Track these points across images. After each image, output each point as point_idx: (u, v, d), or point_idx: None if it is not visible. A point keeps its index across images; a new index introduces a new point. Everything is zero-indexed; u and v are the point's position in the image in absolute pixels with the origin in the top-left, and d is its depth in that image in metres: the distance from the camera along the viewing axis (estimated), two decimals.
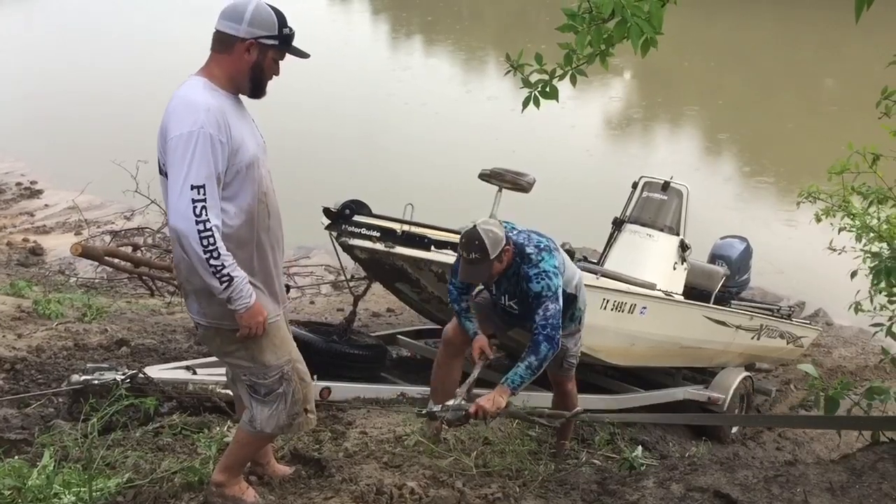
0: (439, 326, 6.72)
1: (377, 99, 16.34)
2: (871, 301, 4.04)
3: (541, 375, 3.99)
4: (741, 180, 13.38)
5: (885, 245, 4.20)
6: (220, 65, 2.98)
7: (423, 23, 26.58)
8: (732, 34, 20.57)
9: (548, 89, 2.45)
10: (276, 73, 3.07)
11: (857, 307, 4.14)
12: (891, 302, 3.91)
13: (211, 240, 2.77)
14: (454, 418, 3.73)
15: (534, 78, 2.49)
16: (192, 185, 2.77)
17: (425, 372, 6.18)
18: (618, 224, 7.02)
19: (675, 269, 6.75)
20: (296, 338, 3.36)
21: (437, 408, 3.79)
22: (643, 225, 6.86)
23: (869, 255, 4.18)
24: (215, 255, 2.79)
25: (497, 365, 5.09)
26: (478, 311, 4.36)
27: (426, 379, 5.77)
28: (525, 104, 2.54)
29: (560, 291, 3.95)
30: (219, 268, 2.80)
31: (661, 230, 6.81)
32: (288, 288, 3.45)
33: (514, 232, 4.08)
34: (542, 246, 4.02)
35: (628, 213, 7.03)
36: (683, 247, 6.79)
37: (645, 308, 5.92)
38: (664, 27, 2.32)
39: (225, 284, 2.83)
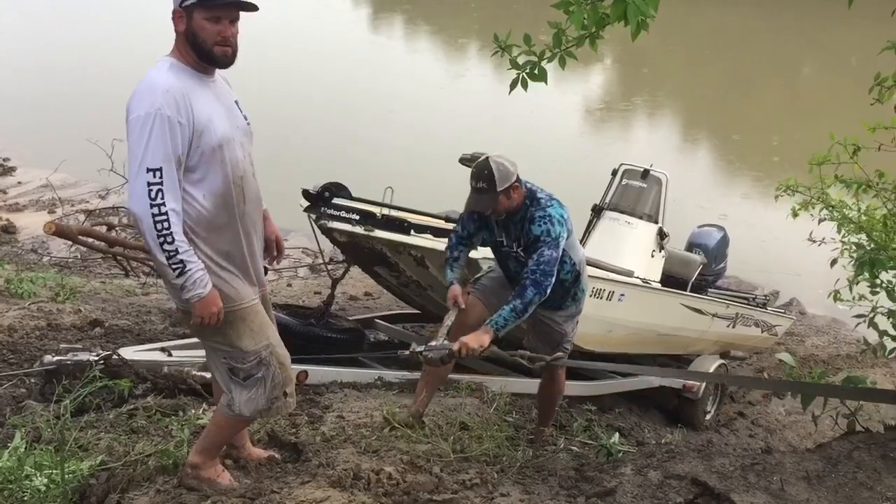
0: (418, 311, 6.72)
1: (359, 84, 16.20)
2: (850, 290, 4.07)
3: (528, 364, 3.98)
4: (720, 169, 13.46)
5: (863, 236, 4.23)
6: (177, 43, 2.92)
7: (405, 9, 26.39)
8: (713, 23, 20.62)
9: (536, 71, 2.42)
10: (225, 34, 2.85)
11: (836, 296, 4.17)
12: (873, 293, 3.94)
13: (165, 224, 2.72)
14: (437, 356, 3.72)
15: (522, 59, 2.46)
16: (147, 168, 2.71)
17: None
18: (597, 211, 7.04)
19: (653, 256, 6.78)
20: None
21: (420, 347, 3.77)
22: (622, 212, 6.88)
23: (849, 245, 4.20)
24: (169, 239, 2.73)
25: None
26: (486, 290, 4.29)
27: (404, 363, 5.76)
28: (513, 86, 2.51)
29: (561, 241, 3.89)
30: (172, 253, 2.75)
31: (640, 218, 6.84)
32: (266, 270, 3.40)
33: (529, 183, 4.05)
34: (552, 195, 4.02)
35: (608, 200, 7.05)
36: (662, 235, 6.81)
37: (623, 295, 5.93)
38: (657, 8, 2.29)
39: (177, 271, 2.77)
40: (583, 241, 6.86)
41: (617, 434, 4.65)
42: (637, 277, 6.24)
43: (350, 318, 6.24)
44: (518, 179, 3.89)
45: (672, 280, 6.93)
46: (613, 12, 2.11)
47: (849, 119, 4.18)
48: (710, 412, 6.78)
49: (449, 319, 4.03)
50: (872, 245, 3.98)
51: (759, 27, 20.47)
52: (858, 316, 3.82)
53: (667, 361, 7.23)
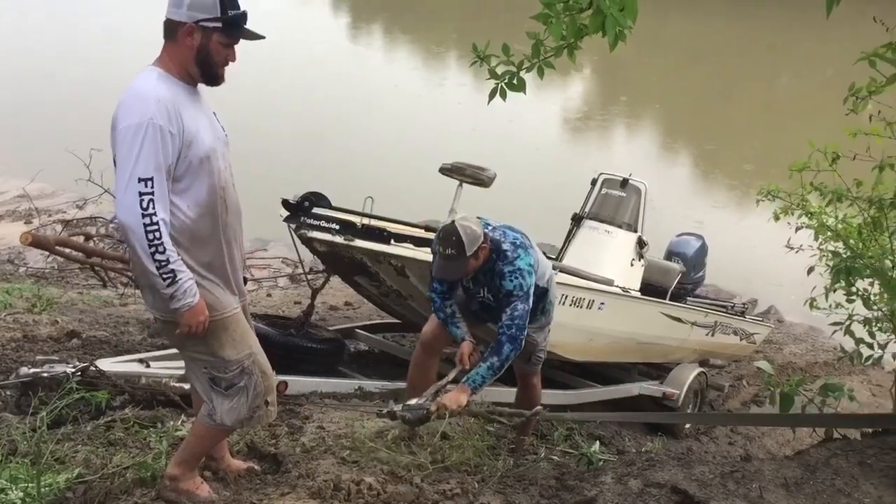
0: (398, 321, 6.71)
1: (338, 94, 16.19)
2: (826, 298, 4.10)
3: (507, 422, 4.00)
4: (698, 178, 13.56)
5: (840, 244, 4.28)
6: (170, 53, 2.91)
7: (384, 18, 26.43)
8: (690, 33, 20.84)
9: (515, 81, 2.43)
10: (232, 59, 2.97)
11: (813, 304, 4.21)
12: (849, 301, 3.97)
13: (157, 234, 2.71)
14: (415, 418, 3.70)
15: (500, 69, 2.47)
16: (139, 178, 2.70)
17: (383, 366, 6.16)
18: (577, 220, 7.05)
19: (632, 265, 6.79)
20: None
21: (397, 407, 3.76)
22: (602, 221, 6.89)
23: (826, 253, 4.24)
24: (160, 249, 2.72)
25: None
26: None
27: (384, 373, 5.75)
28: (491, 96, 2.52)
29: (531, 291, 3.95)
30: (163, 263, 2.73)
31: (620, 227, 6.85)
32: (245, 280, 3.39)
33: (490, 228, 4.05)
34: (517, 243, 4.02)
35: (587, 209, 7.06)
36: (641, 243, 6.83)
37: (603, 304, 5.95)
38: (635, 20, 2.31)
39: (168, 280, 2.76)
40: (563, 250, 6.89)
41: (597, 442, 4.65)
42: (617, 286, 6.26)
43: (330, 328, 6.22)
44: (484, 237, 3.89)
45: (651, 289, 6.96)
46: (591, 24, 2.12)
47: (825, 128, 4.24)
48: None
49: (452, 374, 4.05)
50: (849, 253, 4.02)
51: (733, 38, 20.69)
52: (835, 324, 3.86)
53: (647, 369, 7.26)
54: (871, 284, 4.00)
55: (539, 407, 4.25)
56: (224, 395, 3.07)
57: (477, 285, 4.14)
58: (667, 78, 18.24)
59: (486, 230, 3.94)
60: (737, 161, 12.98)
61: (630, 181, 7.01)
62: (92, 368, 4.20)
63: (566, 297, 5.60)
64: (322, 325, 6.24)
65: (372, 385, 5.20)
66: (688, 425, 6.73)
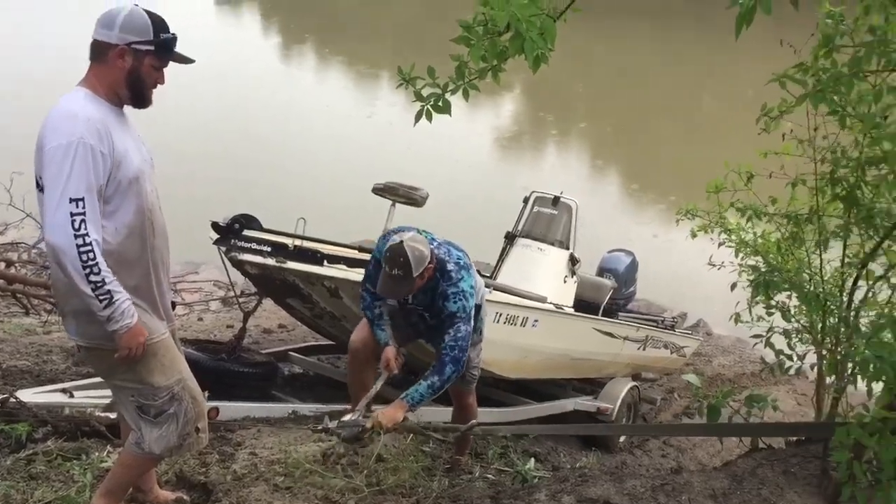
0: (332, 342, 6.65)
1: (269, 115, 16.06)
2: (750, 312, 4.22)
3: (441, 437, 3.99)
4: (627, 195, 13.84)
5: (759, 259, 4.41)
6: (98, 74, 2.87)
7: (315, 38, 26.36)
8: (617, 54, 21.32)
9: (440, 103, 2.45)
10: (161, 81, 2.97)
11: (737, 318, 4.32)
12: (768, 313, 4.09)
13: (91, 255, 2.65)
14: (350, 435, 3.67)
15: (426, 92, 2.49)
16: (70, 198, 2.64)
17: (318, 388, 6.10)
18: (510, 238, 7.11)
19: (565, 282, 6.88)
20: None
21: (332, 423, 3.72)
22: (534, 239, 6.96)
23: (746, 268, 4.37)
24: (95, 270, 2.66)
25: (400, 380, 5.08)
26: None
27: (319, 395, 5.69)
28: (417, 118, 2.53)
29: (473, 313, 3.96)
30: (99, 284, 2.67)
31: (552, 244, 6.93)
32: (174, 305, 3.33)
33: (435, 244, 4.04)
34: (461, 263, 4.03)
35: (520, 227, 7.12)
36: (573, 260, 6.93)
37: (537, 321, 6.01)
38: (554, 43, 2.36)
39: (105, 302, 2.70)
40: (496, 269, 6.94)
41: (532, 460, 4.68)
42: (550, 303, 6.32)
43: (263, 352, 6.12)
44: (431, 257, 3.88)
45: (584, 305, 7.05)
46: (511, 47, 2.16)
47: (746, 146, 4.36)
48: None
49: (378, 384, 4.02)
50: (768, 267, 4.14)
51: (658, 59, 21.24)
52: (756, 336, 3.97)
53: (581, 385, 7.34)
54: (789, 297, 4.13)
55: (474, 421, 4.26)
56: (153, 422, 3.00)
57: (416, 301, 4.11)
58: (597, 97, 18.62)
59: (431, 248, 3.93)
60: (663, 178, 13.31)
61: (561, 199, 7.11)
62: (12, 400, 4.05)
63: (500, 314, 5.64)
64: (254, 349, 6.15)
65: (306, 408, 5.13)
66: (622, 439, 6.82)
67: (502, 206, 7.93)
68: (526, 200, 7.25)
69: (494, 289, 5.82)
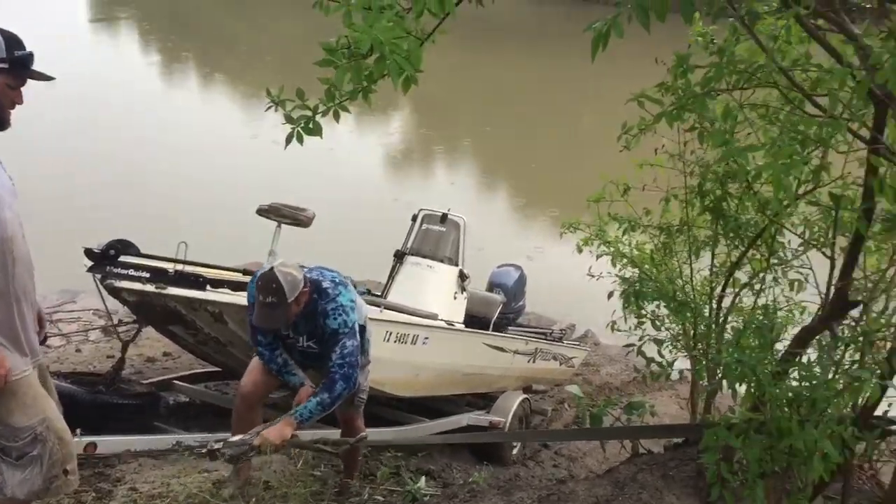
0: (218, 369, 6.48)
1: (148, 137, 15.55)
2: (626, 321, 4.36)
3: (332, 450, 3.96)
4: (515, 210, 14.09)
5: (636, 269, 4.58)
6: None
7: (197, 57, 25.78)
8: (501, 72, 21.74)
9: (311, 125, 2.44)
10: (19, 101, 2.83)
11: (613, 326, 4.46)
12: (640, 323, 4.25)
13: None
14: (237, 454, 3.56)
15: (296, 114, 2.47)
16: None
17: (206, 417, 5.92)
18: (399, 256, 7.13)
19: (455, 298, 6.95)
20: (57, 391, 3.10)
21: (217, 444, 3.61)
22: (424, 256, 7.01)
23: (621, 279, 4.52)
24: None
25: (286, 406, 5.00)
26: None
27: (205, 425, 5.52)
28: (288, 141, 2.51)
29: (357, 327, 3.95)
30: None
31: (441, 261, 7.00)
32: (45, 338, 3.17)
33: (306, 269, 4.02)
34: (337, 280, 4.02)
35: (409, 245, 7.16)
36: (462, 276, 7.01)
37: (427, 338, 6.04)
38: (425, 65, 2.40)
39: None
40: (387, 287, 6.95)
41: (423, 478, 4.68)
42: (441, 320, 6.37)
43: (144, 382, 5.91)
44: (305, 282, 3.85)
45: (475, 320, 7.13)
46: (376, 70, 2.17)
47: (626, 161, 4.51)
48: (516, 446, 6.99)
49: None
50: (643, 278, 4.30)
51: (543, 77, 21.81)
52: (627, 346, 4.11)
53: (474, 400, 7.40)
54: (658, 307, 4.30)
55: (364, 433, 4.22)
56: (15, 465, 2.84)
57: (297, 333, 4.08)
58: (484, 115, 18.92)
59: (304, 272, 3.91)
60: (548, 192, 13.62)
61: (449, 216, 7.19)
62: None
63: (391, 333, 5.63)
64: (135, 379, 5.93)
65: (191, 438, 4.97)
66: (515, 452, 6.91)
67: (392, 225, 7.94)
68: (414, 218, 7.30)
69: (385, 307, 5.84)
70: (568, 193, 12.99)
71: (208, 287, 4.90)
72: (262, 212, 5.70)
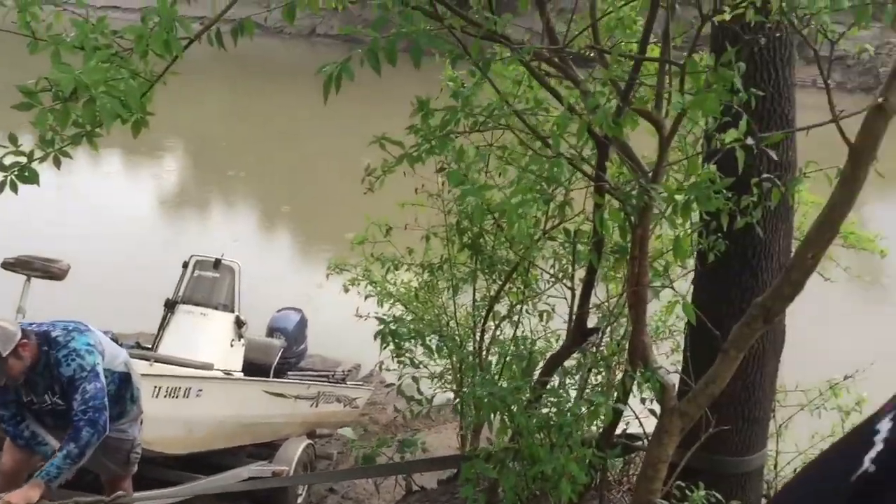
0: None
1: None
2: (393, 360, 4.40)
3: (92, 479, 3.67)
4: (295, 250, 13.93)
5: (403, 308, 4.65)
6: None
7: None
8: (278, 112, 21.52)
9: (26, 173, 2.25)
10: None
11: (381, 367, 4.50)
12: (400, 362, 4.30)
13: None
14: None
15: (9, 160, 2.27)
16: None
17: None
18: (170, 305, 6.83)
19: (232, 346, 6.76)
20: None
21: None
22: (197, 304, 6.77)
23: (385, 319, 4.56)
24: None
25: None
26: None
27: None
28: (0, 189, 2.31)
29: (99, 369, 3.74)
30: None
31: (216, 308, 6.80)
32: None
33: (35, 325, 3.79)
34: (70, 328, 3.81)
35: (181, 293, 6.88)
36: (239, 323, 6.84)
37: (201, 390, 5.82)
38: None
39: None
40: (157, 338, 6.62)
41: None
42: (217, 370, 6.16)
43: None
44: (24, 334, 3.62)
45: (254, 367, 6.95)
46: (84, 114, 2.04)
47: (392, 199, 4.56)
48: (301, 493, 6.82)
49: None
50: (399, 317, 4.34)
51: (321, 116, 21.79)
52: (388, 385, 4.16)
53: (256, 451, 7.16)
54: (416, 345, 4.38)
55: (121, 493, 3.95)
56: None
57: (39, 394, 3.80)
58: (260, 155, 18.57)
59: (28, 328, 3.66)
60: (328, 231, 13.52)
61: (223, 261, 7.02)
62: None
63: (159, 388, 5.36)
64: None
65: None
66: (300, 499, 6.75)
67: (165, 274, 7.58)
68: (185, 265, 7.05)
69: (154, 360, 5.59)
70: (346, 231, 13.03)
71: None
72: (8, 265, 5.31)
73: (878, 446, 0.47)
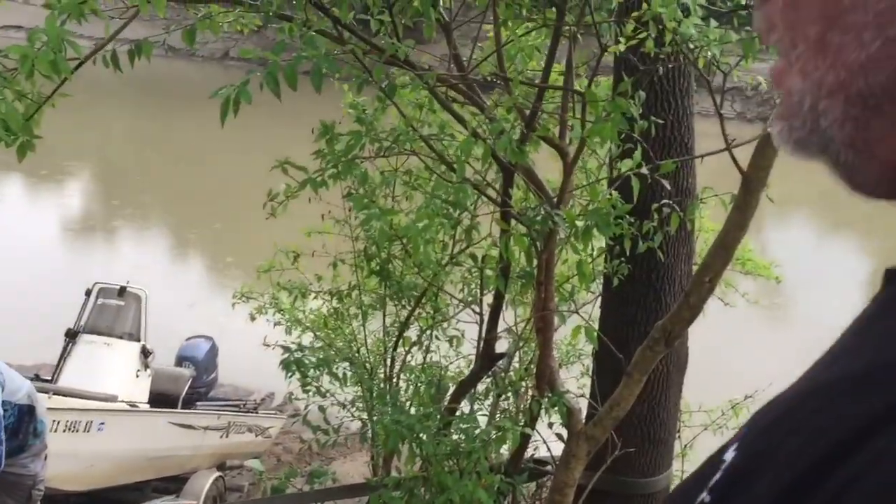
0: None
1: None
2: (303, 389, 4.31)
3: None
4: (206, 277, 13.59)
5: (312, 335, 4.57)
6: None
7: None
8: (191, 136, 21.03)
9: None
10: None
11: (290, 397, 4.40)
12: (306, 391, 4.21)
13: None
14: None
15: None
16: None
17: None
18: (72, 335, 6.61)
19: (137, 376, 6.58)
20: None
21: None
22: (100, 333, 6.59)
23: (290, 347, 4.47)
24: None
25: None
26: None
27: None
28: None
29: None
30: None
31: (121, 337, 6.63)
32: None
33: None
34: None
35: (83, 322, 6.67)
36: (145, 352, 6.67)
37: (103, 423, 5.63)
38: (43, 130, 2.22)
39: None
40: (57, 370, 6.38)
41: None
42: (121, 401, 5.97)
43: None
44: None
45: (163, 398, 6.76)
46: None
47: (304, 224, 4.48)
48: None
49: None
50: (302, 346, 4.25)
51: (234, 141, 21.46)
52: (293, 416, 4.08)
53: (164, 485, 6.92)
54: (321, 374, 4.31)
55: None
56: None
57: None
58: (171, 179, 18.08)
59: None
60: (241, 258, 13.23)
61: (128, 289, 6.84)
62: None
63: (58, 422, 5.16)
64: None
65: None
66: None
67: (67, 302, 7.30)
68: (88, 293, 6.84)
69: (54, 393, 5.39)
70: (256, 256, 12.76)
71: None
72: None
73: (718, 475, 0.47)
